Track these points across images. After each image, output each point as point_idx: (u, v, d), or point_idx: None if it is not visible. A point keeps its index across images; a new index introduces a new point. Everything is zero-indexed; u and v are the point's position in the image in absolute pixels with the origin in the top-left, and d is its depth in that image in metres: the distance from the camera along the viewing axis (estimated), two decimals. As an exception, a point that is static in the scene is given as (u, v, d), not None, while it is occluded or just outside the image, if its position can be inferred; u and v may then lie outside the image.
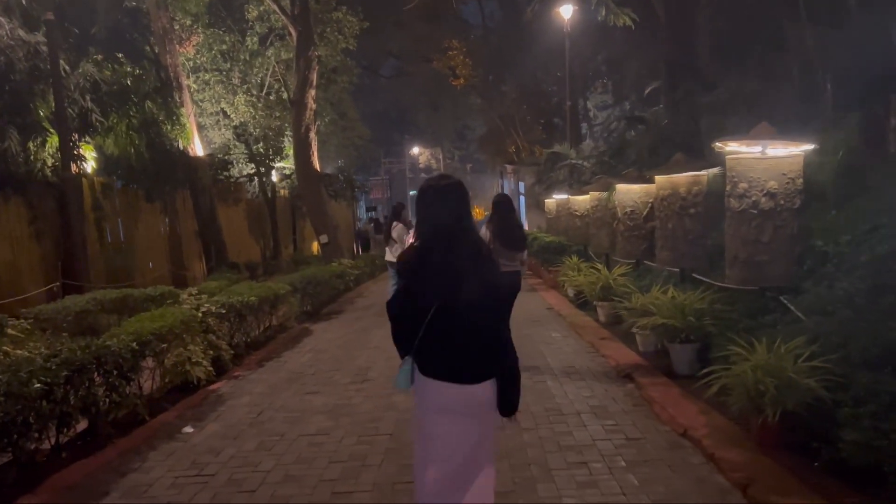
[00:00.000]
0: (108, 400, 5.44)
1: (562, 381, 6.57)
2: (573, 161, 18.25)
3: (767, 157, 5.66)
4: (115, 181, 16.95)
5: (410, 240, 9.67)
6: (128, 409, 5.79)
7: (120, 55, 15.53)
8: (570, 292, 12.56)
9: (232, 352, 7.86)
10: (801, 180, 5.68)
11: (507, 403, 2.85)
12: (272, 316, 10.14)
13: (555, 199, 18.12)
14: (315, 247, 25.72)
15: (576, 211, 14.78)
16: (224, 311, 7.98)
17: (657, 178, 8.10)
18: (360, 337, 9.79)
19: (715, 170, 7.99)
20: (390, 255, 11.47)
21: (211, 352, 7.40)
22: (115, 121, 14.51)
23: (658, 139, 11.96)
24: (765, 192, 5.64)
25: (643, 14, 17.28)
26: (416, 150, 57.23)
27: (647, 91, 17.89)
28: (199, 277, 18.64)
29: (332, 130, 25.03)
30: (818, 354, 4.21)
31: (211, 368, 7.15)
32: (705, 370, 4.83)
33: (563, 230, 16.68)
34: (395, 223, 11.60)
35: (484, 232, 7.18)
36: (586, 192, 13.07)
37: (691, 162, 7.86)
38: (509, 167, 31.53)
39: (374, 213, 38.53)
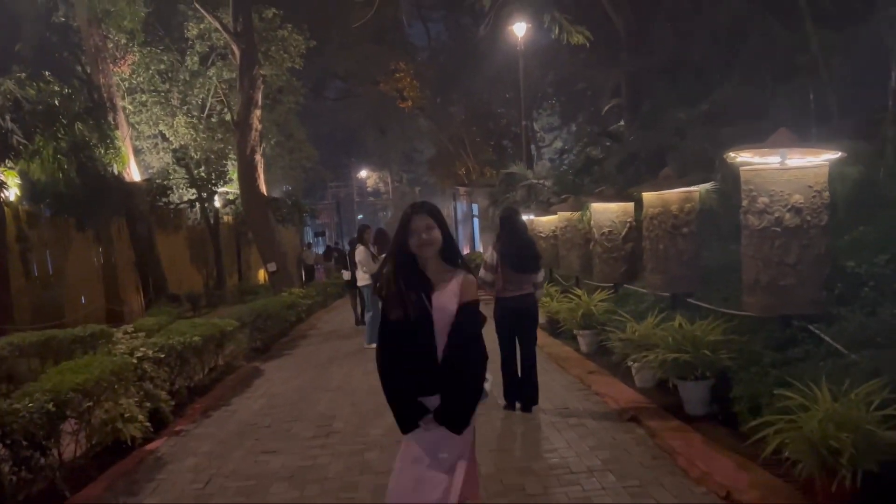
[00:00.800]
0: (16, 478, 4.40)
1: (558, 426, 5.76)
2: (533, 181, 17.62)
3: (790, 167, 5.01)
4: (43, 209, 15.63)
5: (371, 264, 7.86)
6: (44, 483, 4.76)
7: (47, 73, 14.30)
8: (542, 319, 11.82)
9: (172, 402, 6.82)
10: (827, 193, 5.03)
11: None
12: (218, 355, 9.09)
13: (515, 221, 17.43)
14: (262, 275, 24.50)
15: (540, 232, 14.07)
16: (163, 356, 6.94)
17: (645, 195, 7.42)
18: (319, 376, 8.81)
19: (707, 185, 7.37)
20: (360, 279, 10.90)
21: (148, 404, 6.36)
22: (41, 144, 13.24)
23: (627, 156, 11.36)
24: (789, 207, 4.97)
25: (596, 32, 17.00)
26: (363, 173, 56.26)
27: (605, 108, 17.44)
28: (137, 311, 17.34)
29: (278, 153, 23.98)
30: (892, 400, 3.51)
31: (148, 424, 6.10)
32: (756, 421, 4.05)
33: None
34: (357, 245, 10.82)
35: (490, 254, 6.38)
36: (554, 213, 12.39)
37: (683, 177, 7.21)
38: (461, 189, 30.90)
39: (323, 237, 37.34)
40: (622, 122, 15.69)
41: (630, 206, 9.41)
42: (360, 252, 10.66)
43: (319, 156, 31.23)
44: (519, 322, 6.32)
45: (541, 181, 17.46)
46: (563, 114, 33.41)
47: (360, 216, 62.29)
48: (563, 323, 9.35)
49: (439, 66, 33.48)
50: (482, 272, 6.40)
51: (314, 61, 25.10)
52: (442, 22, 37.91)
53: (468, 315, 2.85)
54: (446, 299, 2.85)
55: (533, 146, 33.38)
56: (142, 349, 6.79)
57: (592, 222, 9.70)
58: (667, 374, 5.62)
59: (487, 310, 6.32)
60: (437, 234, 2.90)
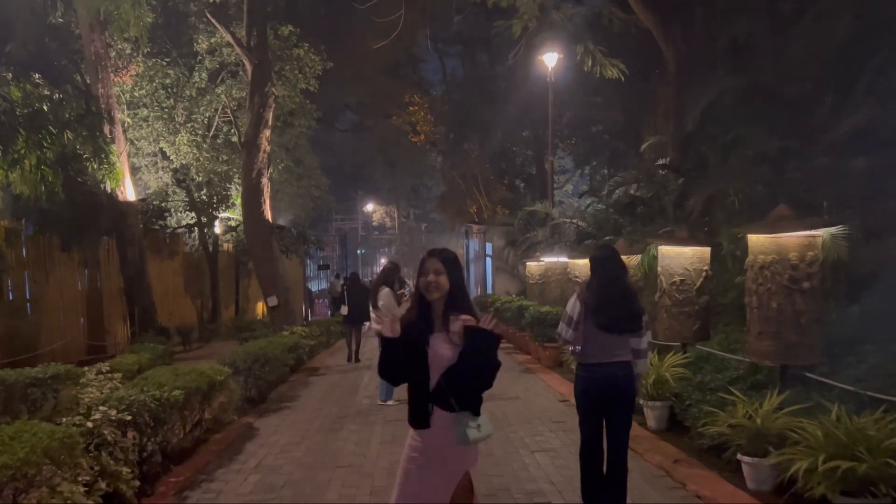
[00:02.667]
0: None
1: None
2: (563, 220, 16.14)
3: None
4: (25, 226, 14.16)
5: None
6: None
7: (37, 76, 12.93)
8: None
9: (137, 483, 5.17)
10: None
11: None
12: (204, 410, 7.47)
13: (541, 263, 15.88)
14: (260, 308, 22.95)
15: (577, 276, 12.54)
16: (129, 417, 5.34)
17: (754, 239, 5.89)
18: (326, 443, 7.18)
19: (833, 229, 5.86)
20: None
21: (103, 485, 4.75)
22: (22, 151, 11.79)
23: (715, 191, 9.85)
24: None
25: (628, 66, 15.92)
26: (370, 206, 54.99)
27: (644, 145, 16.04)
28: (122, 344, 15.74)
29: (286, 178, 22.56)
30: None
31: (100, 514, 4.50)
32: None
33: (555, 299, 14.41)
34: (382, 287, 9.23)
35: (573, 303, 4.82)
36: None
37: (805, 218, 5.69)
38: (475, 227, 29.43)
39: (326, 270, 35.86)
40: (664, 160, 14.26)
41: (707, 251, 7.91)
42: (385, 295, 9.05)
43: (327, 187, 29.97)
44: (608, 401, 4.71)
45: (572, 220, 15.99)
46: (576, 157, 32.46)
47: (359, 250, 60.86)
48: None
49: (454, 102, 32.54)
50: (561, 326, 4.86)
51: (326, 91, 23.96)
52: (458, 58, 37.31)
53: (474, 338, 3.06)
54: (441, 344, 3.10)
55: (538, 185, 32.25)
56: (101, 408, 5.19)
57: (660, 269, 8.17)
58: (832, 486, 4.00)
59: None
60: (443, 279, 3.14)
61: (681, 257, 7.86)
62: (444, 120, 31.89)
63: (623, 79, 16.44)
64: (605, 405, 4.68)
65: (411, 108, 30.74)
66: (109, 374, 8.83)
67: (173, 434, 6.50)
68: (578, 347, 4.73)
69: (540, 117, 28.19)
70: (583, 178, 35.97)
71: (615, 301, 4.66)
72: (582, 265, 12.47)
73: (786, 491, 4.70)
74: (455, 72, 36.86)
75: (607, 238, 11.88)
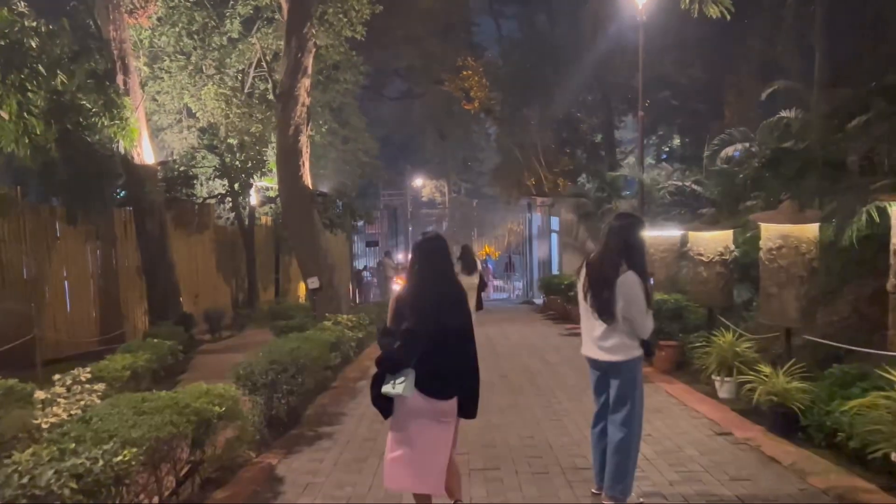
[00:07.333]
0: None
1: None
2: (677, 182, 13.17)
3: None
4: (21, 193, 11.89)
5: None
6: None
7: (22, 2, 10.50)
8: (727, 392, 7.47)
9: None
10: None
11: (469, 412, 3.94)
12: (202, 453, 4.90)
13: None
14: (303, 290, 20.53)
15: (700, 254, 9.63)
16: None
17: None
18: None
19: None
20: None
21: None
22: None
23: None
24: None
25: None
26: (419, 181, 52.28)
27: (765, 93, 12.98)
28: (142, 331, 13.43)
29: (329, 142, 19.91)
30: None
31: None
32: None
33: (660, 283, 11.53)
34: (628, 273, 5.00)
35: None
36: (757, 222, 7.88)
37: None
38: (538, 199, 26.53)
39: (375, 247, 33.52)
40: (791, 112, 11.21)
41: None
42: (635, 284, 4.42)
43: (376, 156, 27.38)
44: None
45: (683, 184, 13.02)
46: (644, 124, 29.40)
47: (411, 228, 58.29)
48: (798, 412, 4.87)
49: (511, 65, 29.68)
50: None
51: (373, 55, 21.33)
52: (515, 19, 34.57)
53: None
54: None
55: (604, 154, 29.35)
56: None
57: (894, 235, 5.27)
58: None
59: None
60: None
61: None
62: (500, 85, 29.09)
63: (728, 17, 13.49)
64: None
65: (464, 73, 28.10)
66: (88, 385, 6.42)
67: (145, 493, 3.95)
68: None
69: (609, 79, 25.36)
70: (647, 149, 32.96)
71: None
72: (708, 239, 9.59)
73: None
74: (511, 34, 34.01)
75: (757, 196, 8.92)
